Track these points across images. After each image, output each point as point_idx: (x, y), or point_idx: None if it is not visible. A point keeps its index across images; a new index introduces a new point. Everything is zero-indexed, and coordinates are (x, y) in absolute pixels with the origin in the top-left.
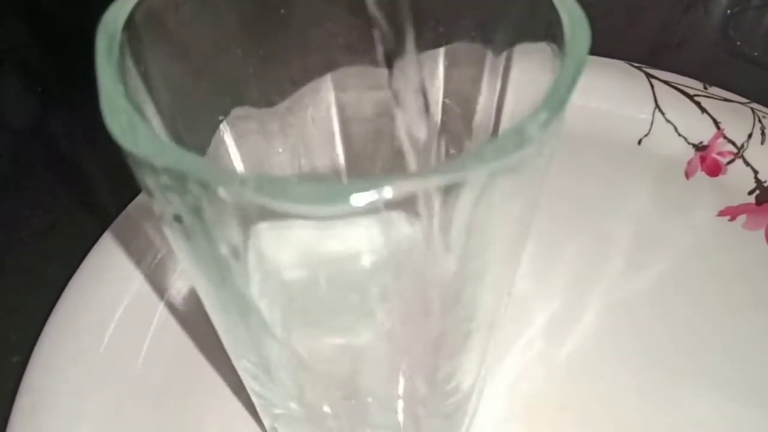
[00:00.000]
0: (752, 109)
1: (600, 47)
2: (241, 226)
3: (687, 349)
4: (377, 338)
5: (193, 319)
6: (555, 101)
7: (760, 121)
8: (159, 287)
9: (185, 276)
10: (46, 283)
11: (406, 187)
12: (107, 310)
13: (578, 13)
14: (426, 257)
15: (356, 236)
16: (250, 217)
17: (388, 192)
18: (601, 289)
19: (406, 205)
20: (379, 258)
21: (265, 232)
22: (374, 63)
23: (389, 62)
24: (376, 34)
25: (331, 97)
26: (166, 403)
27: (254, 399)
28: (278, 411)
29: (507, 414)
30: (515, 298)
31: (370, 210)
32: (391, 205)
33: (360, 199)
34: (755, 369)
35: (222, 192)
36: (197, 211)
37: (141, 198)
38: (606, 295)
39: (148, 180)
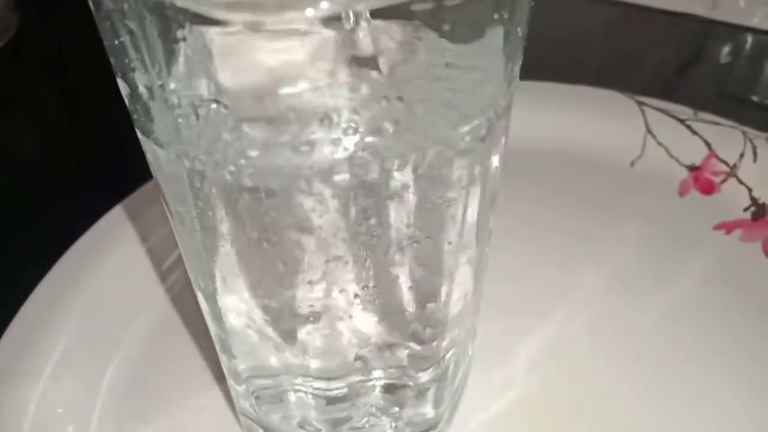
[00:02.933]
0: (742, 131)
1: None
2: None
3: (690, 358)
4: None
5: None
6: None
7: (750, 141)
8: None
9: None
10: None
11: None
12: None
13: None
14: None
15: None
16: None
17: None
18: (600, 305)
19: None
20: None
21: None
22: None
23: None
24: None
25: None
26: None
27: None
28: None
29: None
30: (511, 317)
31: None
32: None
33: None
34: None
35: None
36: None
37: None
38: (606, 311)
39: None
